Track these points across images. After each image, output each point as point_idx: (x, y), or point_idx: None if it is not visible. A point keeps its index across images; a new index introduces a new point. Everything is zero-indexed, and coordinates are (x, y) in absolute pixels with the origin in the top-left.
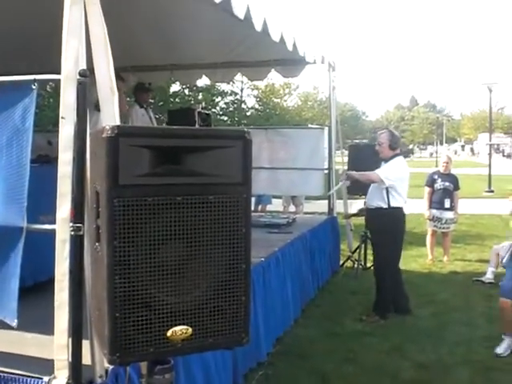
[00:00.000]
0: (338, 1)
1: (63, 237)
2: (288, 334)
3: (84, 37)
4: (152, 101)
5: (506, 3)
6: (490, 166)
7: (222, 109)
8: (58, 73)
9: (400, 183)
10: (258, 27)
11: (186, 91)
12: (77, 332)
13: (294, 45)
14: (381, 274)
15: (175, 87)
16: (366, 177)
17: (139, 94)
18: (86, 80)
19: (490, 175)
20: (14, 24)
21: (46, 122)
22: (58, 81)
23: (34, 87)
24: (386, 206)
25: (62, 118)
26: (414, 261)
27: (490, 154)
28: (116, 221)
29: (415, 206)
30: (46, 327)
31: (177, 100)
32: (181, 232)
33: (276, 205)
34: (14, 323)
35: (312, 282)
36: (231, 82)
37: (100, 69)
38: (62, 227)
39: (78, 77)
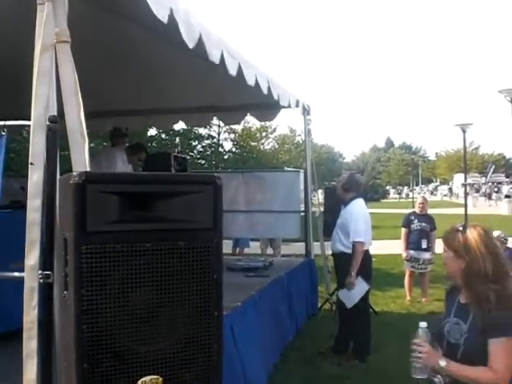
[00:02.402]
0: (312, 43)
1: (32, 284)
2: (268, 380)
3: (54, 83)
4: (128, 145)
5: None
6: (465, 205)
7: (199, 152)
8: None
9: (365, 228)
10: (233, 71)
11: (163, 135)
12: (46, 383)
13: (269, 89)
14: (353, 317)
15: (152, 131)
16: (357, 260)
17: (116, 139)
18: (56, 126)
19: (466, 214)
20: None
21: (21, 167)
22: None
23: (3, 133)
24: (349, 250)
25: (31, 163)
26: (392, 302)
27: (465, 194)
28: (83, 268)
29: (393, 247)
30: (15, 378)
31: (153, 144)
32: (151, 279)
33: (254, 247)
34: None
35: (290, 325)
36: (208, 126)
37: (70, 115)
38: (31, 275)
39: (48, 123)
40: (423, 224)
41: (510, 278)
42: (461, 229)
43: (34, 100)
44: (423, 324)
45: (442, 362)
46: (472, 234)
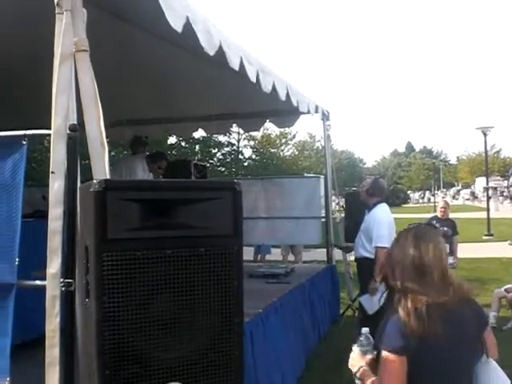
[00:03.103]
0: (331, 49)
1: (54, 293)
2: None
3: (74, 92)
4: (148, 153)
5: (500, 46)
6: (488, 209)
7: (219, 160)
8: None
9: (389, 233)
10: (253, 78)
11: (183, 143)
12: None
13: (287, 95)
14: (375, 323)
15: (172, 140)
16: (380, 263)
17: (136, 148)
18: (76, 135)
19: (488, 218)
20: (5, 78)
21: (43, 176)
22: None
23: (24, 142)
24: (372, 256)
25: (52, 172)
26: None
27: (487, 198)
28: (105, 276)
29: None
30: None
31: (173, 152)
32: (171, 286)
33: (275, 254)
34: (7, 382)
35: (313, 332)
36: (227, 134)
37: (90, 124)
38: (53, 283)
39: (68, 131)
40: (445, 229)
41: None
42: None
43: (53, 109)
44: (365, 330)
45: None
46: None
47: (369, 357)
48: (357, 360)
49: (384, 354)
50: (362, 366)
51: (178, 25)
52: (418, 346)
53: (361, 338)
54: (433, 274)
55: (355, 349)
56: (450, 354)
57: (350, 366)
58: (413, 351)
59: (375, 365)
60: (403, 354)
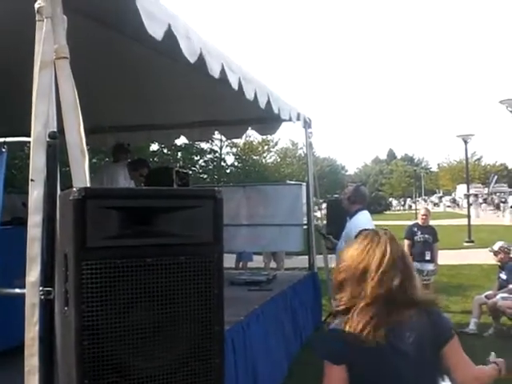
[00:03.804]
0: (313, 56)
1: (33, 301)
2: None
3: (54, 99)
4: (130, 160)
5: (481, 55)
6: (469, 216)
7: (201, 167)
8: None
9: None
10: (235, 86)
11: (165, 150)
12: None
13: (268, 103)
14: None
15: (154, 147)
16: None
17: (118, 155)
18: (56, 142)
19: (469, 225)
20: None
21: (24, 183)
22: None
23: (3, 150)
24: None
25: (32, 180)
26: None
27: (468, 205)
28: (84, 284)
29: None
30: None
31: (155, 159)
32: (151, 294)
33: (257, 261)
34: None
35: (295, 339)
36: (210, 141)
37: (70, 131)
38: (32, 291)
39: (48, 139)
40: (426, 236)
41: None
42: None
43: (33, 116)
44: None
45: None
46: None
47: None
48: None
49: (324, 362)
50: None
51: (158, 32)
52: (358, 357)
53: None
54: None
55: None
56: (394, 369)
57: None
58: (352, 361)
59: None
60: (340, 363)
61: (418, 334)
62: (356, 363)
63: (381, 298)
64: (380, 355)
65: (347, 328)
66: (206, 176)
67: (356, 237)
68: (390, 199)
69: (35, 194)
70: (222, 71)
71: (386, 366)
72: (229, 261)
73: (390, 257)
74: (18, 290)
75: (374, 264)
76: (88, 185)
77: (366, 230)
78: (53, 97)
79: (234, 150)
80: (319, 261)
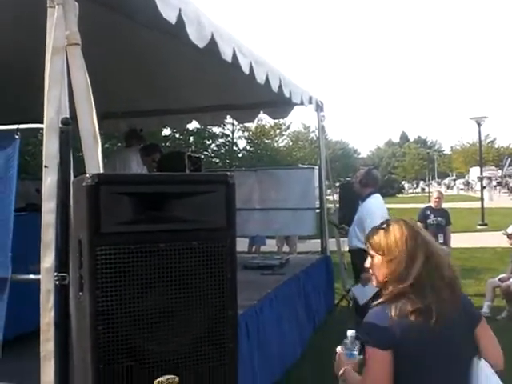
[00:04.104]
0: (325, 39)
1: (48, 287)
2: (284, 377)
3: (66, 86)
4: (142, 146)
5: (494, 36)
6: (482, 199)
7: (213, 151)
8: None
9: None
10: (246, 70)
11: (177, 135)
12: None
13: (280, 87)
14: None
15: (166, 131)
16: None
17: (131, 141)
18: (69, 128)
19: (482, 208)
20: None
21: (37, 169)
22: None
23: (16, 137)
24: (365, 246)
25: (45, 166)
26: None
27: (481, 188)
28: (98, 270)
29: None
30: (33, 379)
31: (168, 144)
32: (165, 279)
33: (270, 245)
34: None
35: (307, 323)
36: (222, 125)
37: (83, 117)
38: (47, 277)
39: (61, 125)
40: (439, 219)
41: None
42: (384, 226)
43: (46, 103)
44: (351, 332)
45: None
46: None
47: (354, 360)
48: (341, 363)
49: (368, 349)
50: (346, 369)
51: (171, 16)
52: (405, 340)
53: (346, 341)
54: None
55: (340, 351)
56: (438, 351)
57: (335, 369)
58: (399, 345)
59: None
60: (388, 348)
61: (457, 315)
62: (403, 347)
63: (425, 281)
64: (427, 337)
65: (394, 312)
66: (218, 160)
67: (383, 228)
68: (403, 182)
69: (49, 180)
70: (234, 55)
71: (433, 347)
72: (242, 245)
73: (426, 240)
74: (32, 276)
75: (417, 248)
76: (101, 171)
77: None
78: (65, 83)
79: (246, 134)
80: (332, 244)
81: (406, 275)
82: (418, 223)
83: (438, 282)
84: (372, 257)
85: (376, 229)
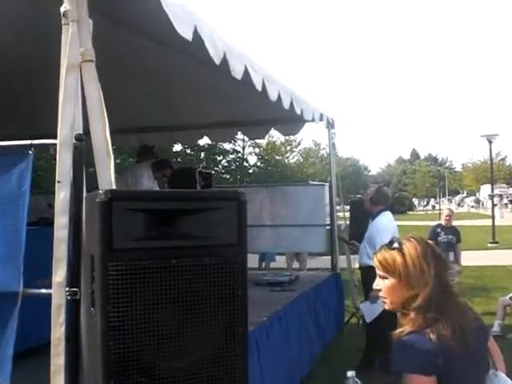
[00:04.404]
0: (335, 57)
1: (59, 301)
2: None
3: (80, 101)
4: (153, 161)
5: (507, 54)
6: (493, 217)
7: (224, 167)
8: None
9: None
10: (258, 86)
11: (188, 151)
12: None
13: (291, 104)
14: (380, 332)
15: (177, 147)
16: None
17: (143, 156)
18: (82, 144)
19: (493, 226)
20: (13, 87)
21: (49, 184)
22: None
23: (30, 152)
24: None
25: (58, 182)
26: None
27: (492, 206)
28: (110, 285)
29: None
30: None
31: (179, 160)
32: (176, 296)
33: (280, 261)
34: None
35: (317, 340)
36: (233, 141)
37: (96, 133)
38: (58, 292)
39: (74, 141)
40: (450, 236)
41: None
42: (396, 246)
43: (60, 119)
44: (351, 373)
45: None
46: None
47: None
48: None
49: (411, 377)
50: None
51: (187, 33)
52: (448, 363)
53: (347, 382)
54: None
55: None
56: (474, 370)
57: None
58: (442, 370)
59: None
60: (433, 373)
61: (477, 331)
62: (446, 371)
63: (449, 300)
64: (466, 359)
65: (433, 336)
66: (228, 176)
67: (396, 248)
68: (414, 199)
69: (62, 195)
70: (246, 72)
71: (471, 367)
72: (251, 261)
73: (439, 256)
74: (44, 290)
75: (435, 267)
76: (114, 186)
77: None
78: (79, 99)
79: (257, 150)
80: (342, 261)
81: (429, 297)
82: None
83: (456, 299)
84: (383, 278)
85: (386, 248)
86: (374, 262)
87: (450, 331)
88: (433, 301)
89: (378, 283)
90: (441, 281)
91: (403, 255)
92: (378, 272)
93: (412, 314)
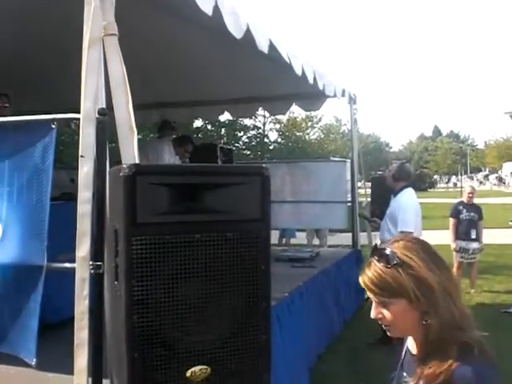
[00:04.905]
0: (358, 33)
1: (83, 275)
2: (312, 371)
3: (103, 76)
4: (174, 136)
5: None
6: None
7: (244, 143)
8: (79, 111)
9: (415, 218)
10: (285, 60)
11: (209, 126)
12: (96, 371)
13: (315, 78)
14: None
15: (198, 123)
16: None
17: (164, 132)
18: (105, 119)
19: None
20: (34, 62)
21: (71, 159)
22: (79, 120)
23: (53, 126)
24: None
25: (82, 156)
26: None
27: None
28: (134, 259)
29: (441, 237)
30: (67, 366)
31: (199, 135)
32: (199, 270)
33: (300, 238)
34: (33, 362)
35: (337, 317)
36: (253, 117)
37: (119, 107)
38: (82, 266)
39: (97, 115)
40: (472, 214)
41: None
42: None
43: (83, 93)
44: None
45: None
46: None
47: None
48: None
49: None
50: None
51: (207, 8)
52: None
53: None
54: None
55: None
56: None
57: None
58: None
59: None
60: None
61: None
62: None
63: (466, 312)
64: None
65: (486, 362)
66: (249, 152)
67: (396, 264)
68: (435, 177)
69: (85, 170)
70: (271, 46)
71: None
72: (272, 237)
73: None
74: (68, 265)
75: (446, 273)
76: (137, 161)
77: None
78: (101, 74)
79: (278, 126)
80: (362, 238)
81: (453, 313)
82: (451, 218)
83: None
84: (387, 306)
85: (382, 266)
86: (366, 286)
87: (489, 350)
88: (456, 315)
89: (380, 312)
90: (455, 290)
91: (409, 269)
92: (376, 298)
93: (443, 338)
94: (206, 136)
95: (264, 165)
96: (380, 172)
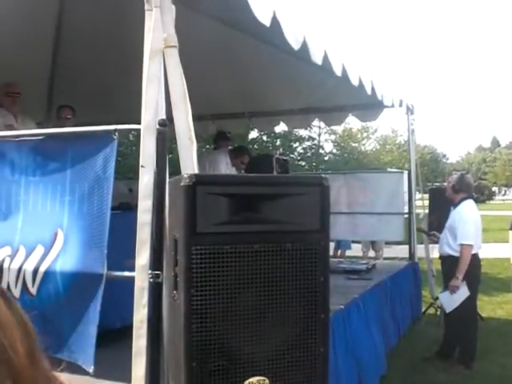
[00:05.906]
0: (414, 42)
1: (142, 284)
2: None
3: (163, 87)
4: (231, 148)
5: None
6: None
7: (299, 154)
8: (138, 122)
9: (475, 231)
10: (338, 72)
11: (264, 137)
12: (154, 380)
13: (373, 89)
14: (460, 323)
15: (253, 134)
16: (464, 263)
17: (220, 143)
18: (166, 129)
19: None
20: (96, 75)
21: (128, 169)
22: (139, 130)
23: (114, 137)
24: (456, 253)
25: (142, 166)
26: (499, 307)
27: None
28: (193, 269)
29: (500, 251)
30: (125, 374)
31: (255, 146)
32: (258, 280)
33: (355, 250)
34: (91, 370)
35: (393, 330)
36: (308, 128)
37: (179, 118)
38: (141, 274)
39: (158, 126)
40: None
41: None
42: None
43: (143, 104)
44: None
45: None
46: None
47: None
48: None
49: None
50: None
51: (265, 19)
52: None
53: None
54: None
55: None
56: None
57: None
58: None
59: None
60: None
61: None
62: None
63: None
64: None
65: None
66: (304, 163)
67: None
68: (493, 188)
69: (145, 180)
70: (325, 57)
71: None
72: None
73: None
74: (127, 273)
75: None
76: (196, 171)
77: None
78: (162, 85)
79: (333, 137)
80: (419, 250)
81: None
82: (511, 231)
83: None
84: None
85: None
86: None
87: None
88: None
89: None
90: None
91: None
92: None
93: None
94: (262, 147)
95: (324, 175)
96: (437, 183)
